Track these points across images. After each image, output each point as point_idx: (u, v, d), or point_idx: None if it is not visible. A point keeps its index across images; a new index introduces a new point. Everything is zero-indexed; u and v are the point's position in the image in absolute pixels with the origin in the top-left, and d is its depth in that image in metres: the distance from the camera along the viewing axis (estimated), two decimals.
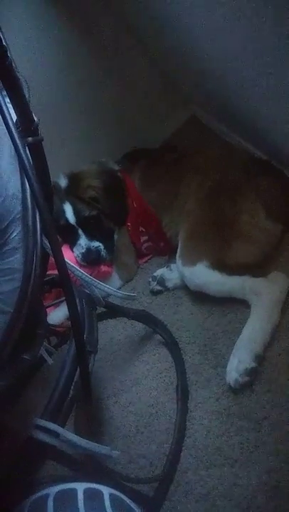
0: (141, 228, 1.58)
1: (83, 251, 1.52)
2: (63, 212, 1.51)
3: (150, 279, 1.51)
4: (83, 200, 1.51)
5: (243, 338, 1.20)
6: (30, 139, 0.65)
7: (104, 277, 1.55)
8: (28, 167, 0.63)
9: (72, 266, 0.86)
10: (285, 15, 0.83)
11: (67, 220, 1.51)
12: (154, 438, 1.18)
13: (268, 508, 0.97)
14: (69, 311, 0.73)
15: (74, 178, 1.54)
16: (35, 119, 0.67)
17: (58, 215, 1.51)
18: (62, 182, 1.54)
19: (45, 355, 0.86)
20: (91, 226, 1.53)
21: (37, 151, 0.68)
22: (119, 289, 1.59)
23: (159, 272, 1.51)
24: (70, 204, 1.50)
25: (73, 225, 1.52)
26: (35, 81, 1.50)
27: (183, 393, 1.21)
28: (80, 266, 1.53)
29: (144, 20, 1.48)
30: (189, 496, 1.06)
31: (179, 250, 1.40)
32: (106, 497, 0.74)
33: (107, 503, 0.72)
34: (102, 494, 0.74)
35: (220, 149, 1.62)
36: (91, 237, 1.53)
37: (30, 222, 0.66)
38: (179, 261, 1.38)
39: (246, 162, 1.45)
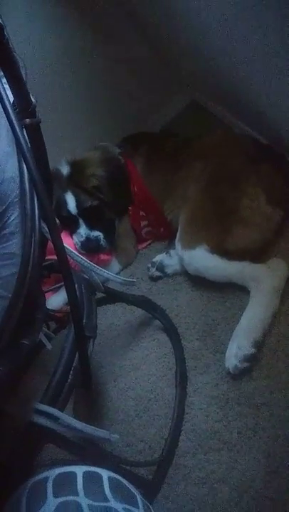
0: (141, 213, 1.56)
1: (82, 239, 1.51)
2: (65, 202, 1.49)
3: (149, 265, 1.51)
4: (85, 189, 1.48)
5: (242, 325, 1.20)
6: (27, 120, 0.64)
7: (104, 265, 1.55)
8: (25, 149, 0.61)
9: (71, 251, 0.85)
10: None
11: (68, 211, 1.50)
12: (153, 422, 1.19)
13: (266, 492, 0.98)
14: (68, 296, 0.73)
15: (77, 166, 1.51)
16: (33, 100, 0.65)
17: (60, 205, 1.50)
18: (65, 169, 1.51)
19: (44, 340, 0.86)
20: (92, 216, 1.52)
21: (35, 133, 0.67)
22: (118, 273, 1.59)
23: (158, 258, 1.50)
24: (72, 194, 1.48)
25: (74, 215, 1.51)
26: (33, 63, 1.49)
27: (182, 378, 1.22)
28: (80, 253, 1.52)
29: (145, 5, 1.44)
30: (188, 479, 1.07)
31: (178, 234, 1.39)
32: (105, 480, 0.74)
33: (106, 486, 0.73)
34: (101, 477, 0.74)
35: (221, 134, 1.60)
36: (91, 226, 1.52)
37: (28, 206, 0.64)
38: (178, 244, 1.38)
39: (247, 147, 1.43)
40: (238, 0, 0.95)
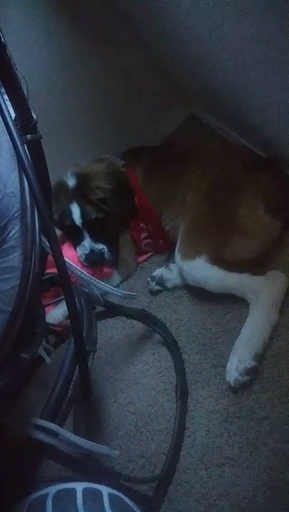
0: (141, 224, 1.57)
1: (87, 252, 1.52)
2: (70, 213, 1.50)
3: (149, 279, 1.51)
4: (91, 201, 1.50)
5: (242, 337, 1.20)
6: (29, 136, 0.65)
7: (106, 277, 1.55)
8: (26, 165, 0.62)
9: (72, 265, 0.85)
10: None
11: (73, 221, 1.51)
12: (154, 437, 1.18)
13: (268, 508, 0.96)
14: (68, 309, 0.73)
15: (83, 178, 1.53)
16: (34, 116, 0.67)
17: (65, 215, 1.51)
18: (71, 181, 1.53)
19: (44, 354, 0.86)
20: (96, 228, 1.53)
21: (36, 148, 0.68)
22: (119, 285, 1.59)
23: (158, 272, 1.50)
24: (78, 205, 1.50)
25: (79, 226, 1.52)
26: (34, 79, 1.52)
27: (182, 393, 1.21)
28: (82, 266, 1.52)
29: (144, 19, 1.47)
30: (189, 495, 1.05)
31: (178, 244, 1.40)
32: (105, 497, 0.73)
33: (107, 502, 0.72)
34: (102, 494, 0.74)
35: (220, 144, 1.62)
36: (96, 238, 1.53)
37: (28, 220, 0.65)
38: (178, 255, 1.38)
39: (247, 158, 1.44)
40: (238, 13, 0.96)
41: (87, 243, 1.52)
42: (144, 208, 1.55)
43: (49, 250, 0.69)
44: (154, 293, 1.50)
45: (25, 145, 0.64)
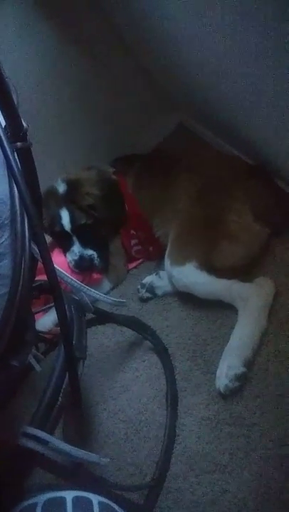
0: (132, 231, 1.58)
1: (76, 258, 1.52)
2: (59, 218, 1.50)
3: (139, 287, 1.51)
4: (80, 207, 1.50)
5: (232, 344, 1.20)
6: (19, 144, 0.65)
7: (96, 284, 1.55)
8: (16, 172, 0.63)
9: (62, 272, 0.85)
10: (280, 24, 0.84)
11: (62, 226, 1.51)
12: (144, 445, 1.17)
13: None
14: (58, 317, 0.73)
15: (73, 184, 1.54)
16: (24, 124, 0.67)
17: (54, 220, 1.52)
18: (61, 187, 1.54)
19: (34, 362, 0.85)
20: (86, 234, 1.53)
21: (26, 156, 0.68)
22: (109, 292, 1.59)
23: (148, 280, 1.50)
24: (67, 210, 1.50)
25: (68, 232, 1.52)
26: (24, 87, 1.52)
27: (172, 400, 1.21)
28: (72, 272, 1.52)
29: (134, 27, 1.48)
30: (179, 503, 1.05)
31: (168, 250, 1.41)
32: (95, 505, 0.73)
33: (97, 511, 0.72)
34: (91, 502, 0.73)
35: (211, 153, 1.64)
36: (85, 244, 1.53)
37: (18, 228, 0.65)
38: (167, 261, 1.39)
39: (236, 166, 1.46)
40: (229, 22, 0.97)
41: (76, 249, 1.53)
42: (134, 215, 1.56)
43: (39, 257, 0.69)
44: (144, 300, 1.50)
45: (15, 153, 0.64)
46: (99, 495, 0.77)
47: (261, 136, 1.35)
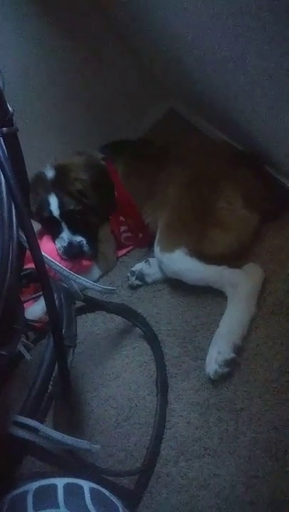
0: (121, 218, 1.57)
1: (65, 244, 1.51)
2: (48, 204, 1.49)
3: (129, 274, 1.51)
4: (69, 192, 1.49)
5: (221, 330, 1.21)
6: (4, 129, 0.64)
7: (85, 271, 1.54)
8: (2, 158, 0.61)
9: (50, 260, 0.84)
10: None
11: (51, 212, 1.49)
12: (134, 431, 1.18)
13: (248, 497, 0.98)
14: (47, 305, 0.73)
15: (61, 170, 1.52)
16: (10, 108, 0.65)
17: (43, 206, 1.50)
18: (49, 173, 1.52)
19: (23, 351, 0.85)
20: (75, 220, 1.52)
21: (12, 141, 0.66)
22: (98, 280, 1.58)
23: (137, 267, 1.50)
24: (56, 196, 1.48)
25: (57, 218, 1.50)
26: (11, 70, 1.49)
27: (162, 386, 1.22)
28: (61, 259, 1.51)
29: (124, 11, 1.45)
30: (170, 487, 1.06)
31: (157, 237, 1.40)
32: (86, 491, 0.73)
33: (88, 497, 0.72)
34: (83, 489, 0.74)
35: (201, 139, 1.62)
36: (74, 231, 1.52)
37: (5, 215, 0.64)
38: (157, 247, 1.38)
39: (227, 152, 1.46)
40: (224, 11, 0.96)
41: (65, 235, 1.51)
42: (123, 201, 1.54)
43: (27, 245, 0.68)
44: (133, 288, 1.50)
45: (1, 138, 0.63)
46: (90, 481, 0.77)
47: (253, 122, 1.34)
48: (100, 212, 1.55)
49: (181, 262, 1.31)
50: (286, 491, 0.96)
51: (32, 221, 0.70)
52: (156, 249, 1.39)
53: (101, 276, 1.60)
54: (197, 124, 1.80)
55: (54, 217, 1.50)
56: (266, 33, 0.88)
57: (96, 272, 1.59)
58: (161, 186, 1.47)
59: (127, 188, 1.54)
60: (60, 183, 1.49)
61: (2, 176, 0.63)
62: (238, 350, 1.16)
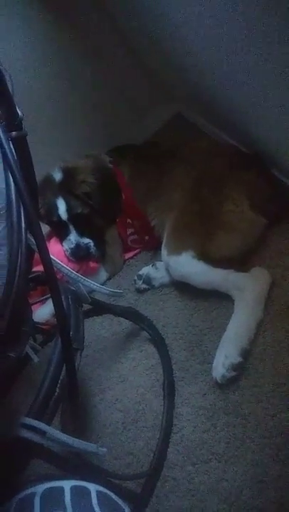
0: (128, 220, 1.57)
1: (72, 246, 1.52)
2: (56, 207, 1.50)
3: (136, 278, 1.51)
4: (76, 195, 1.50)
5: (228, 334, 1.21)
6: (14, 133, 0.64)
7: (92, 273, 1.55)
8: (12, 162, 0.62)
9: (58, 263, 0.85)
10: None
11: (59, 216, 1.51)
12: (141, 434, 1.18)
13: (255, 502, 0.97)
14: (55, 308, 0.73)
15: (69, 173, 1.53)
16: (20, 113, 0.66)
17: (51, 210, 1.51)
18: (57, 175, 1.53)
19: (31, 353, 0.85)
20: (82, 223, 1.53)
21: (21, 145, 0.67)
22: (105, 282, 1.59)
23: (144, 271, 1.50)
24: (63, 199, 1.50)
25: (64, 221, 1.51)
26: (20, 75, 1.50)
27: (169, 389, 1.22)
28: (69, 261, 1.52)
29: (130, 14, 1.46)
30: (176, 491, 1.06)
31: (164, 240, 1.40)
32: (93, 494, 0.74)
33: (94, 500, 0.72)
34: (90, 492, 0.74)
35: (206, 141, 1.63)
36: (82, 233, 1.53)
37: (14, 218, 0.65)
38: (164, 250, 1.39)
39: (232, 155, 1.46)
40: (230, 14, 0.96)
41: (73, 237, 1.52)
42: (130, 204, 1.55)
43: (35, 248, 0.69)
44: (140, 291, 1.50)
45: (10, 142, 0.64)
46: (97, 484, 0.77)
47: (259, 126, 1.34)
48: (107, 214, 1.55)
49: (188, 266, 1.31)
50: None
51: (40, 223, 0.70)
52: (164, 252, 1.39)
53: (108, 279, 1.61)
54: (203, 128, 1.80)
55: (62, 221, 1.51)
56: (272, 32, 0.89)
57: (103, 274, 1.60)
58: (167, 189, 1.47)
59: (133, 191, 1.55)
60: (68, 185, 1.50)
61: (11, 179, 0.64)
62: (246, 354, 1.16)
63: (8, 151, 0.62)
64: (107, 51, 1.66)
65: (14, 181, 0.63)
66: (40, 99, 1.58)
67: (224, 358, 1.15)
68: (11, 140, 0.64)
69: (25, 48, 1.52)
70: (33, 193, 0.70)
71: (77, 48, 1.61)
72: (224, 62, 1.16)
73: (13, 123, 0.65)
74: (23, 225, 0.66)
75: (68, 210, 1.50)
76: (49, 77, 1.62)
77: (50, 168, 1.55)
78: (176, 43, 1.31)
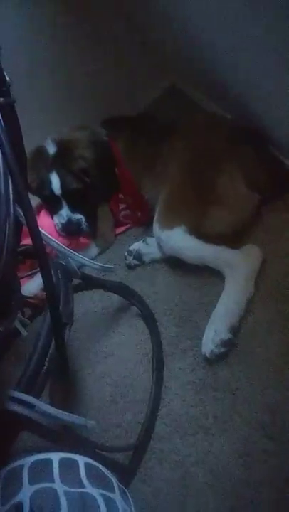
0: (120, 195, 1.55)
1: (64, 221, 1.50)
2: (49, 182, 1.46)
3: (126, 254, 1.49)
4: (72, 171, 1.46)
5: (218, 310, 1.21)
6: (1, 99, 0.62)
7: (83, 248, 1.53)
8: None
9: (48, 236, 0.83)
10: None
11: (52, 191, 1.47)
12: (129, 408, 1.19)
13: (241, 475, 0.99)
14: (44, 282, 0.72)
15: (64, 146, 1.48)
16: (7, 78, 0.63)
17: (44, 184, 1.47)
18: (51, 148, 1.48)
19: (19, 327, 0.84)
20: (76, 198, 1.50)
21: (9, 113, 0.64)
22: (96, 257, 1.58)
23: (135, 247, 1.49)
24: (58, 175, 1.46)
25: (57, 195, 1.48)
26: (10, 39, 1.44)
27: (158, 364, 1.22)
28: (59, 235, 1.50)
29: None
30: (163, 463, 1.08)
31: (156, 214, 1.38)
32: (81, 466, 0.74)
33: (82, 472, 0.73)
34: (78, 463, 0.74)
35: (203, 115, 1.60)
36: (74, 208, 1.50)
37: (2, 190, 0.62)
38: (156, 224, 1.37)
39: (230, 129, 1.42)
40: None
41: (64, 212, 1.50)
42: (124, 179, 1.52)
43: (23, 221, 0.67)
44: (131, 267, 1.49)
45: None
46: (85, 456, 0.78)
47: (256, 100, 1.31)
48: (103, 191, 1.52)
49: (180, 240, 1.30)
50: (279, 470, 0.97)
51: (30, 195, 0.68)
52: (155, 226, 1.37)
53: (99, 254, 1.60)
54: (199, 101, 1.76)
55: (54, 195, 1.48)
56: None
57: (94, 249, 1.58)
58: (162, 162, 1.44)
59: (127, 163, 1.52)
60: (63, 160, 1.46)
61: None
62: (235, 330, 1.16)
63: None
64: (101, 21, 1.60)
65: (1, 151, 0.61)
66: (30, 65, 1.52)
67: (214, 333, 1.16)
68: None
69: (18, 16, 1.47)
70: (21, 163, 0.68)
71: (72, 18, 1.55)
72: (226, 34, 1.12)
73: (1, 89, 0.62)
74: (10, 196, 0.64)
75: (62, 185, 1.46)
76: (42, 44, 1.56)
77: (41, 138, 1.50)
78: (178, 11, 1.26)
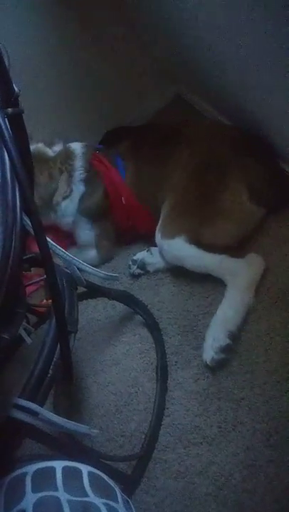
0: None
1: None
2: None
3: (130, 263, 1.49)
4: None
5: (217, 317, 1.21)
6: (10, 110, 0.63)
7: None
8: (7, 139, 0.60)
9: (54, 245, 0.84)
10: None
11: None
12: (133, 417, 1.19)
13: (245, 485, 0.99)
14: (50, 290, 0.72)
15: None
16: (16, 89, 0.64)
17: None
18: None
19: (24, 335, 0.84)
20: None
21: (17, 123, 0.65)
22: (99, 267, 1.58)
23: (139, 256, 1.49)
24: None
25: None
26: (18, 51, 1.46)
27: (162, 373, 1.22)
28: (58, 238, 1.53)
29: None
30: (167, 473, 1.07)
31: (159, 223, 1.39)
32: (84, 475, 0.74)
33: (86, 481, 0.73)
34: (81, 472, 0.74)
35: (209, 123, 1.61)
36: None
37: (9, 198, 0.63)
38: (158, 233, 1.37)
39: (236, 139, 1.42)
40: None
41: None
42: (132, 207, 1.52)
43: (31, 229, 0.68)
44: (135, 276, 1.49)
45: (6, 119, 0.62)
46: (88, 465, 0.77)
47: (262, 111, 1.32)
48: None
49: (181, 249, 1.31)
50: (283, 480, 0.96)
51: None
52: (158, 235, 1.37)
53: (102, 263, 1.60)
54: (203, 111, 1.77)
55: None
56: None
57: (96, 258, 1.59)
58: (166, 173, 1.44)
59: (134, 177, 1.51)
60: None
61: (7, 156, 0.62)
62: (234, 337, 1.17)
63: (3, 127, 0.60)
64: (107, 31, 1.63)
65: (10, 159, 0.62)
66: (37, 77, 1.54)
67: (212, 340, 1.16)
68: (6, 117, 0.62)
69: (25, 24, 1.48)
70: (29, 171, 0.69)
71: (78, 27, 1.57)
72: (233, 47, 1.13)
73: (10, 99, 0.63)
74: (18, 204, 0.64)
75: None
76: (48, 56, 1.58)
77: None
78: (183, 20, 1.28)
